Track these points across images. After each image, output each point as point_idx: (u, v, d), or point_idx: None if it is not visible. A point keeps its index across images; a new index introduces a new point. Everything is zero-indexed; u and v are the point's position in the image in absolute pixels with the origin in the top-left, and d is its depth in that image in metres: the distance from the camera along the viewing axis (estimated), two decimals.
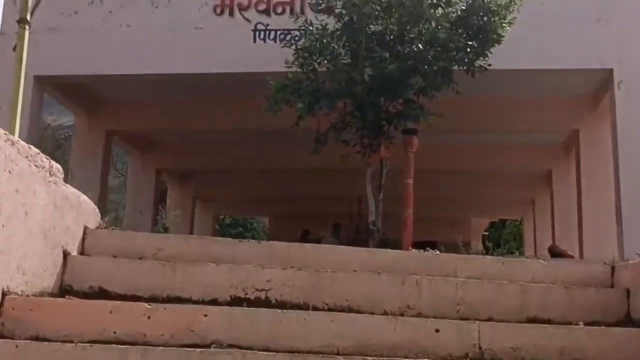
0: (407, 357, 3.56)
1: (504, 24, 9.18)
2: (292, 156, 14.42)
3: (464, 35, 8.93)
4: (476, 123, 12.97)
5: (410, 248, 8.03)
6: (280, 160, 15.32)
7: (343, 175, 14.08)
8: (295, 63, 9.29)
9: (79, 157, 13.33)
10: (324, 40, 9.09)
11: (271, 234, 22.31)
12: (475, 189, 17.71)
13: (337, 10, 9.46)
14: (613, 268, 4.73)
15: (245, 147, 15.25)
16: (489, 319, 3.99)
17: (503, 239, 28.41)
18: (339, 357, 3.47)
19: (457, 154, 14.98)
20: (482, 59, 9.22)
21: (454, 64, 9.09)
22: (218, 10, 11.02)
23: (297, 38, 9.89)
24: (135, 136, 15.14)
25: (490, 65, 9.35)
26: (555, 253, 12.32)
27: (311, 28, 9.35)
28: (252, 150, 15.22)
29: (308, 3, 10.33)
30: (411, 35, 8.97)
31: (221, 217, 24.79)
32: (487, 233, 26.10)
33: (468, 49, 8.86)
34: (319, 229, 17.99)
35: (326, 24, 9.32)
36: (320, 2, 9.58)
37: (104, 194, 13.66)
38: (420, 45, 8.79)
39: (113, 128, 13.58)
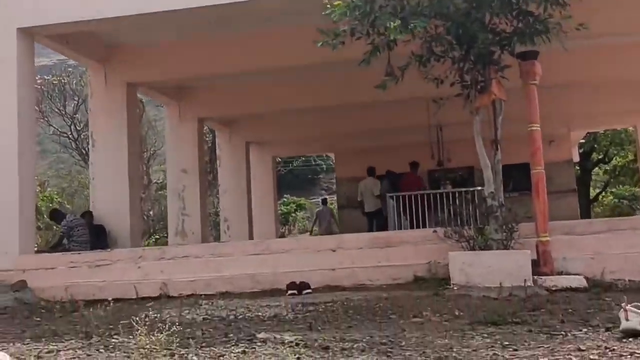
0: None
1: None
2: (354, 90, 11.63)
3: None
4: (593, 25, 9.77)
5: None
6: (341, 95, 12.52)
7: (418, 102, 11.37)
8: None
9: (99, 116, 10.82)
10: None
11: (338, 171, 19.61)
12: (581, 101, 14.59)
13: None
14: None
15: (299, 84, 12.54)
16: None
17: (600, 144, 25.13)
18: None
19: (562, 63, 11.83)
20: None
21: None
22: None
23: None
24: (165, 85, 12.51)
25: None
26: None
27: None
28: (307, 87, 12.51)
29: None
30: None
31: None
32: (583, 140, 22.82)
33: None
34: (391, 163, 15.33)
35: None
36: None
37: (135, 163, 11.25)
38: None
39: (135, 79, 10.98)
